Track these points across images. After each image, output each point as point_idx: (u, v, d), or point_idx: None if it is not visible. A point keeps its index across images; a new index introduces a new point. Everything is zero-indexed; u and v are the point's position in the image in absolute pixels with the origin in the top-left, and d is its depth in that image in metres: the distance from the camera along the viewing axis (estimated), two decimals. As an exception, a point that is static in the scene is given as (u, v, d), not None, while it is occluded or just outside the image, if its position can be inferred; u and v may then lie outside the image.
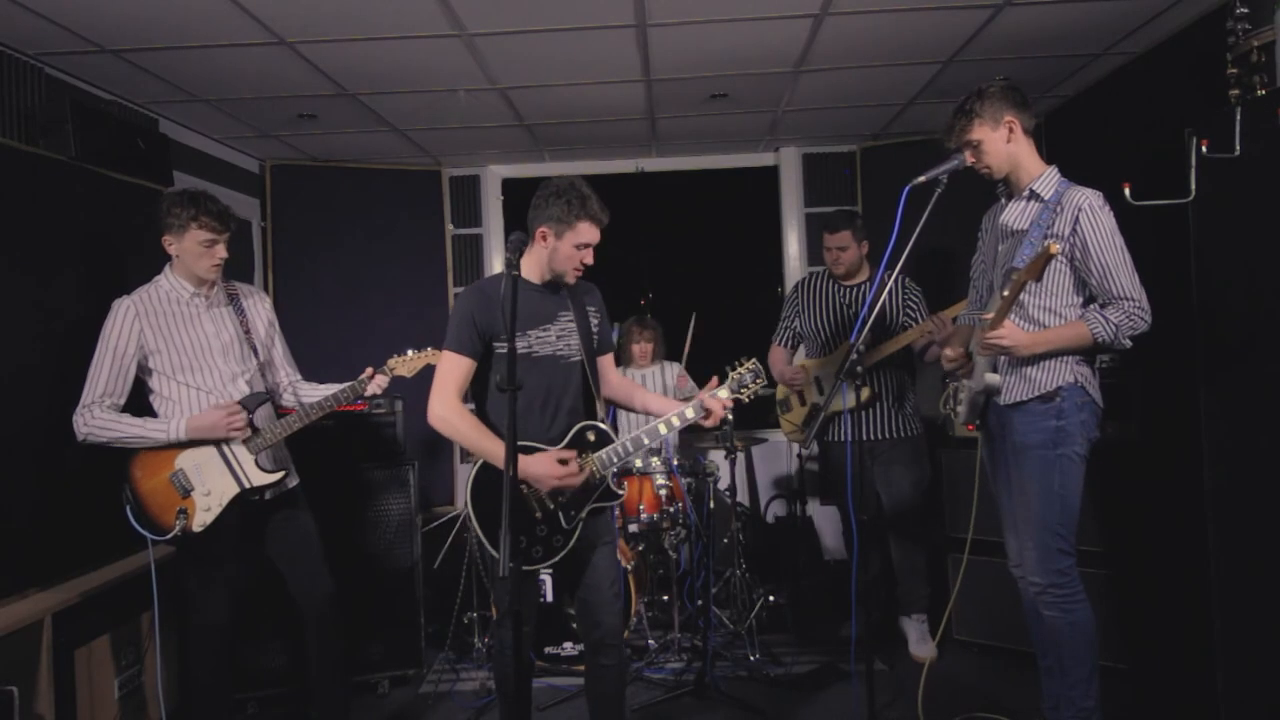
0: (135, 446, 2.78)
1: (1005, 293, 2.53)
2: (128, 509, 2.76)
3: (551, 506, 2.56)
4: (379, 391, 2.99)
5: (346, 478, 3.77)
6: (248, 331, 3.02)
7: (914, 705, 3.14)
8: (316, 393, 3.07)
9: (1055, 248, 2.33)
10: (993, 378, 2.72)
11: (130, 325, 2.81)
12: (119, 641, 3.15)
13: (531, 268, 2.62)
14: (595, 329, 2.76)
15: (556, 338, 2.61)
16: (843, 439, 3.93)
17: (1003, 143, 2.67)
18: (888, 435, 3.96)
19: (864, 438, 3.94)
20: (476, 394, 2.67)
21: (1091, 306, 2.64)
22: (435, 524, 4.66)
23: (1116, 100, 4.06)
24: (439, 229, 5.44)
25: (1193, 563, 3.03)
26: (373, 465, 3.81)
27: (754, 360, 2.69)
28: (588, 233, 2.56)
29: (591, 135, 4.87)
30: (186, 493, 2.79)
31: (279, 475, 2.91)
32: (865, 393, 3.89)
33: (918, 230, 2.64)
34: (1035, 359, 2.66)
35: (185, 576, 2.90)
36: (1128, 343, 2.58)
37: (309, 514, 3.08)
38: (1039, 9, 3.31)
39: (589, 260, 2.61)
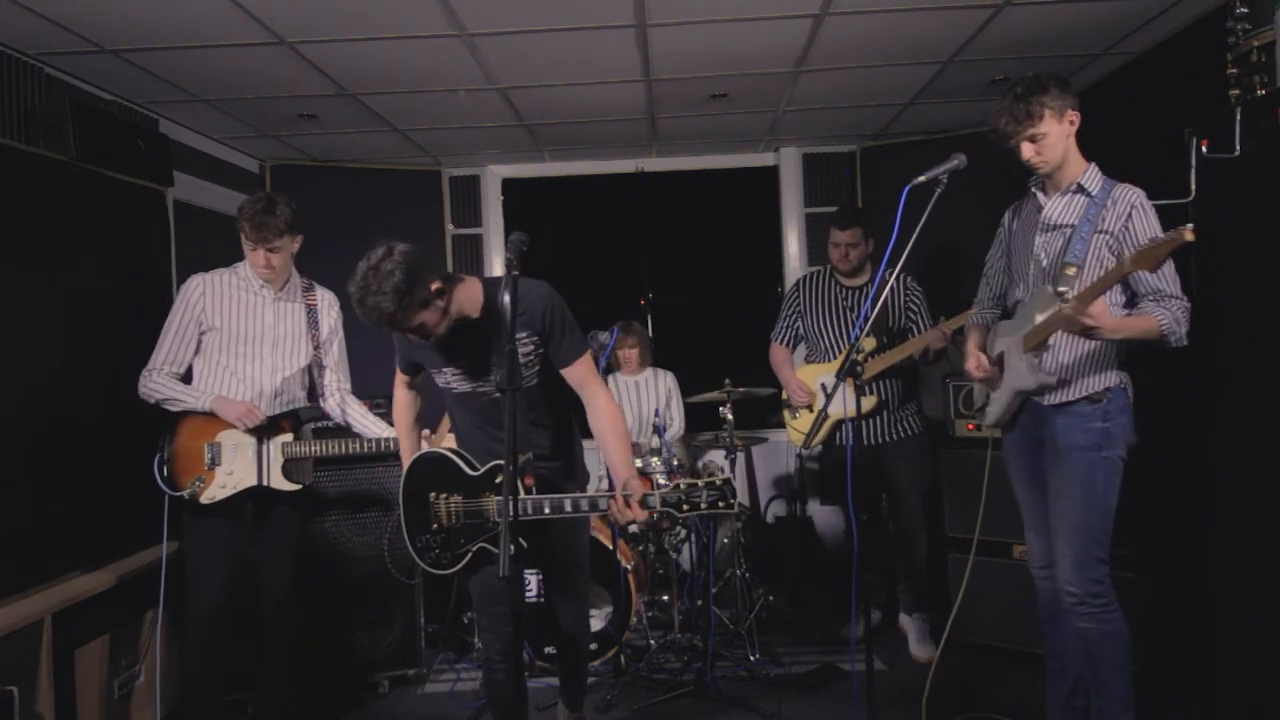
0: (173, 408, 2.98)
1: (1066, 291, 2.48)
2: (158, 458, 2.92)
3: (448, 524, 2.58)
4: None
5: (347, 477, 3.77)
6: (313, 331, 3.12)
7: (914, 705, 3.14)
8: (363, 420, 3.19)
9: (1190, 234, 2.20)
10: (1047, 377, 2.63)
11: (195, 301, 3.00)
12: (119, 641, 3.15)
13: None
14: (527, 355, 2.51)
15: (471, 375, 2.55)
16: (847, 441, 3.91)
17: (1064, 137, 2.60)
18: (891, 438, 3.97)
19: (869, 442, 3.93)
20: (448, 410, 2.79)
21: (1151, 302, 2.52)
22: (435, 524, 4.65)
23: (1116, 100, 4.06)
24: (439, 229, 5.44)
25: (1191, 564, 3.03)
26: (373, 465, 3.81)
27: (726, 478, 2.40)
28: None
29: (591, 135, 4.87)
30: (212, 465, 2.94)
31: (296, 488, 3.04)
32: (872, 401, 3.89)
33: (918, 230, 2.64)
34: (1086, 359, 2.61)
35: (185, 556, 2.97)
36: (1185, 339, 2.51)
37: (300, 517, 3.15)
38: (1039, 9, 3.31)
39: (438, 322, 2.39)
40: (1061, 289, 2.57)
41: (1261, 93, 2.60)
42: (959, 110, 4.59)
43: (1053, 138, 2.58)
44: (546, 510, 2.43)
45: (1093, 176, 2.65)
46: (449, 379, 2.58)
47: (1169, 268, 2.48)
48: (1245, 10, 2.66)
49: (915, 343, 3.81)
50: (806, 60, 3.78)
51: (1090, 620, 2.60)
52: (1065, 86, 2.58)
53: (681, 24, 3.33)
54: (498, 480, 2.51)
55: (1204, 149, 2.68)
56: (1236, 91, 2.69)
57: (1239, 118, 2.59)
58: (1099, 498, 2.58)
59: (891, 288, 3.92)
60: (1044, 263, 2.70)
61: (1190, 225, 2.22)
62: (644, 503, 2.35)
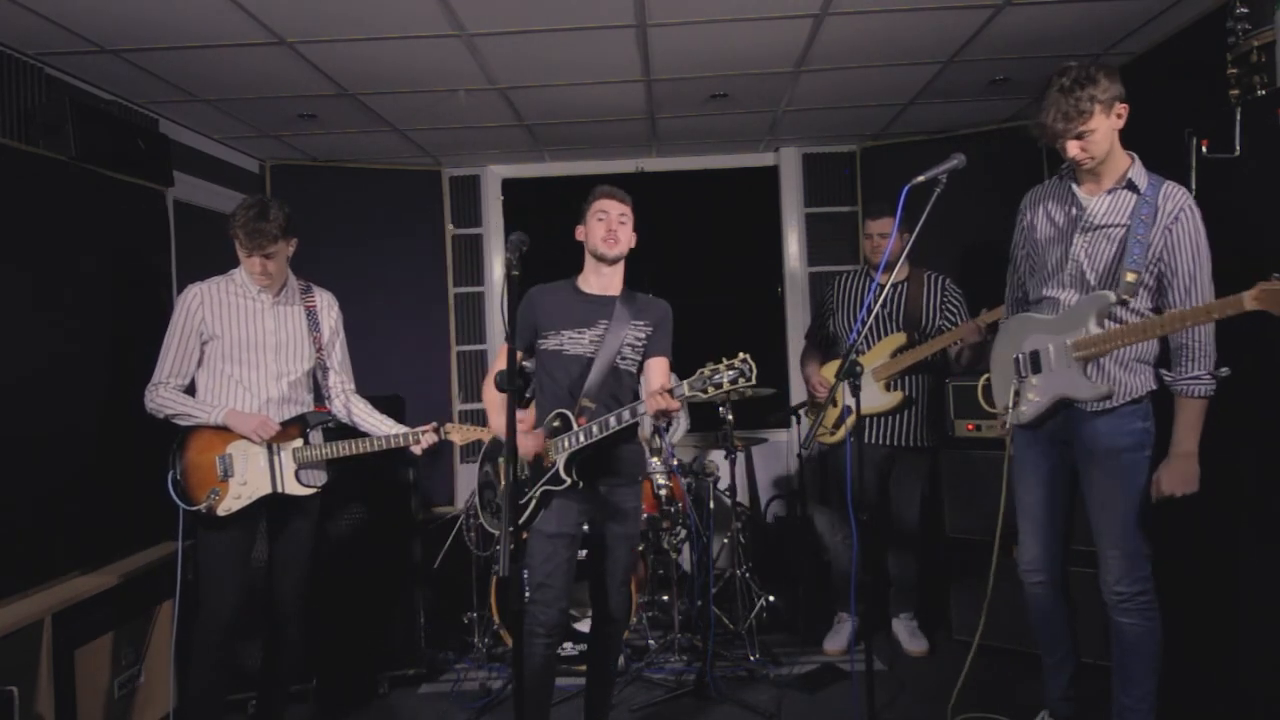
0: (183, 423, 2.95)
1: (1129, 299, 2.41)
2: (170, 474, 2.91)
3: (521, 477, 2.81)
4: (426, 447, 3.12)
5: (347, 477, 3.77)
6: (315, 334, 3.11)
7: (914, 705, 3.14)
8: (370, 419, 3.20)
9: None
10: (1107, 387, 2.53)
11: (195, 311, 2.97)
12: (119, 641, 3.15)
13: (586, 277, 2.91)
14: (637, 340, 2.88)
15: (590, 341, 2.83)
16: (869, 440, 3.88)
17: (1111, 131, 2.47)
18: (913, 443, 3.90)
19: (889, 442, 3.89)
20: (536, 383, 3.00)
21: (1180, 377, 2.48)
22: (435, 524, 4.66)
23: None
24: (439, 229, 5.44)
25: (1191, 564, 3.03)
26: (373, 465, 3.80)
27: (743, 357, 2.48)
28: (604, 205, 2.84)
29: (591, 135, 4.87)
30: (225, 477, 2.93)
31: (311, 492, 3.05)
32: (897, 397, 3.85)
33: (916, 230, 2.65)
34: (1132, 365, 2.55)
35: (200, 569, 2.96)
36: (1223, 371, 2.47)
37: (314, 521, 3.13)
38: (1039, 9, 3.31)
39: (615, 225, 2.82)
40: (1124, 297, 2.49)
41: (1261, 93, 2.60)
42: (959, 110, 4.59)
43: (1100, 133, 2.45)
44: (595, 431, 2.65)
45: (1140, 172, 2.52)
46: (563, 341, 2.82)
47: (1210, 288, 2.40)
48: (1245, 10, 2.66)
49: (947, 336, 3.72)
50: (806, 60, 3.78)
51: (1134, 616, 2.58)
52: (1114, 76, 2.45)
53: (681, 24, 3.33)
54: (555, 424, 2.75)
55: (1204, 149, 2.67)
56: (1236, 91, 2.69)
57: (1239, 118, 2.59)
58: (1144, 496, 2.56)
59: (928, 289, 3.90)
60: (1084, 265, 2.58)
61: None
62: (672, 393, 2.54)
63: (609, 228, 2.82)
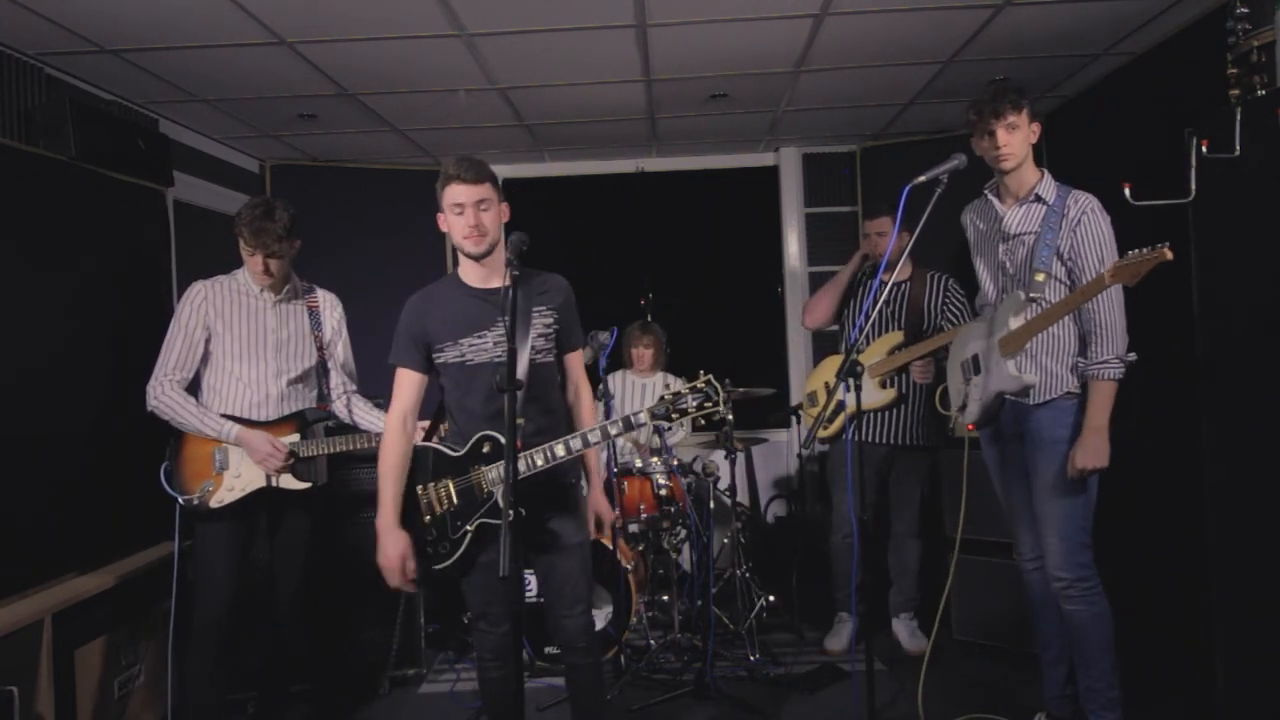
0: (189, 431, 2.94)
1: (1039, 296, 2.54)
2: (164, 465, 2.94)
3: (440, 510, 2.52)
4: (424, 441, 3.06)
5: (347, 477, 3.77)
6: (316, 333, 3.14)
7: (914, 705, 3.14)
8: (370, 417, 3.20)
9: (1169, 253, 2.30)
10: (1030, 379, 2.72)
11: (199, 307, 2.99)
12: (119, 641, 3.15)
13: (467, 269, 2.56)
14: (546, 328, 2.56)
15: (494, 344, 2.48)
16: (868, 439, 3.89)
17: (1029, 139, 2.77)
18: (913, 443, 3.90)
19: (889, 442, 3.89)
20: (445, 402, 2.65)
21: (1090, 363, 2.66)
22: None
23: (1116, 100, 4.06)
24: (439, 229, 5.42)
25: (1187, 562, 3.03)
26: (373, 465, 3.79)
27: (707, 379, 2.36)
28: (455, 193, 2.42)
29: (591, 135, 4.87)
30: (220, 470, 2.95)
31: (306, 486, 3.05)
32: (890, 395, 3.85)
33: (917, 230, 2.67)
34: (1065, 358, 2.73)
35: (195, 562, 2.97)
36: (1131, 357, 2.65)
37: (311, 519, 3.14)
38: (1039, 9, 3.31)
39: (476, 218, 2.42)
40: (1034, 295, 2.69)
41: (1261, 93, 2.60)
42: (959, 110, 4.55)
43: (1023, 133, 2.74)
44: (540, 462, 2.41)
45: (1047, 185, 2.78)
46: (464, 351, 2.48)
47: (1119, 302, 2.60)
48: (1245, 10, 2.66)
49: (943, 337, 3.66)
50: (806, 60, 3.78)
51: (1079, 603, 2.72)
52: (1031, 100, 2.79)
53: (681, 24, 3.34)
54: (485, 449, 2.47)
55: (1204, 149, 2.68)
56: (1236, 91, 2.69)
57: (1239, 118, 2.60)
58: (1085, 487, 2.70)
59: (930, 288, 3.90)
60: (1010, 270, 2.82)
61: (1169, 243, 2.31)
62: (629, 423, 2.39)
63: (469, 222, 2.42)
